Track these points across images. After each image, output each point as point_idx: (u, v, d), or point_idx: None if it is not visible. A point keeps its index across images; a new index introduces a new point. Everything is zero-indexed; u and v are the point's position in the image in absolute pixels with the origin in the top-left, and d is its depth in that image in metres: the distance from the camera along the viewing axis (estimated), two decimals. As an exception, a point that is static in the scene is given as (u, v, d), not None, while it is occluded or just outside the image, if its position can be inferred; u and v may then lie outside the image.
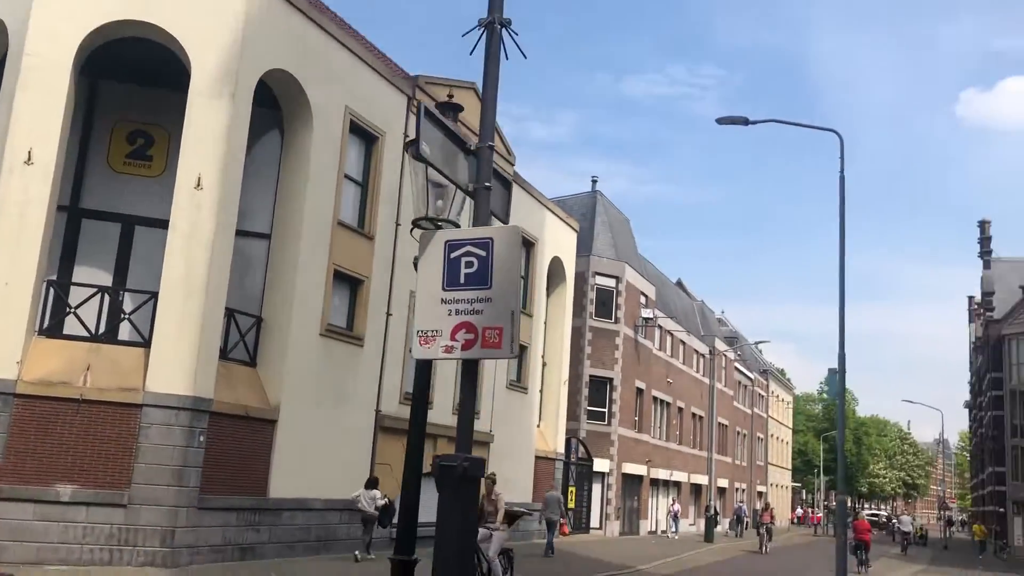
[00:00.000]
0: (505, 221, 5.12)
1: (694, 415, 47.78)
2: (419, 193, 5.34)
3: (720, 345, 51.81)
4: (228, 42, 15.85)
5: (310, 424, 17.57)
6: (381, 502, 17.52)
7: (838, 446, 15.44)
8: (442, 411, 22.42)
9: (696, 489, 47.92)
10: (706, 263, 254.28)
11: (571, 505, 32.02)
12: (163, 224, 15.67)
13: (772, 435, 69.60)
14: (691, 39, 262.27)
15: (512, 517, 13.87)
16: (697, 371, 48.59)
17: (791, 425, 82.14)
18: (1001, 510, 50.64)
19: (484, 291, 4.67)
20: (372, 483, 17.88)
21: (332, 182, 18.47)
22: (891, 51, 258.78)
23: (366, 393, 19.42)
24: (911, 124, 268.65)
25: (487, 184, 4.88)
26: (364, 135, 19.82)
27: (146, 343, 15.35)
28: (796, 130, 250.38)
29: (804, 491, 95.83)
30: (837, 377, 15.07)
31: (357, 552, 17.35)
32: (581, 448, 34.04)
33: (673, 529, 39.07)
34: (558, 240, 30.28)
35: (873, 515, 70.33)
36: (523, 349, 27.54)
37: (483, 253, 4.70)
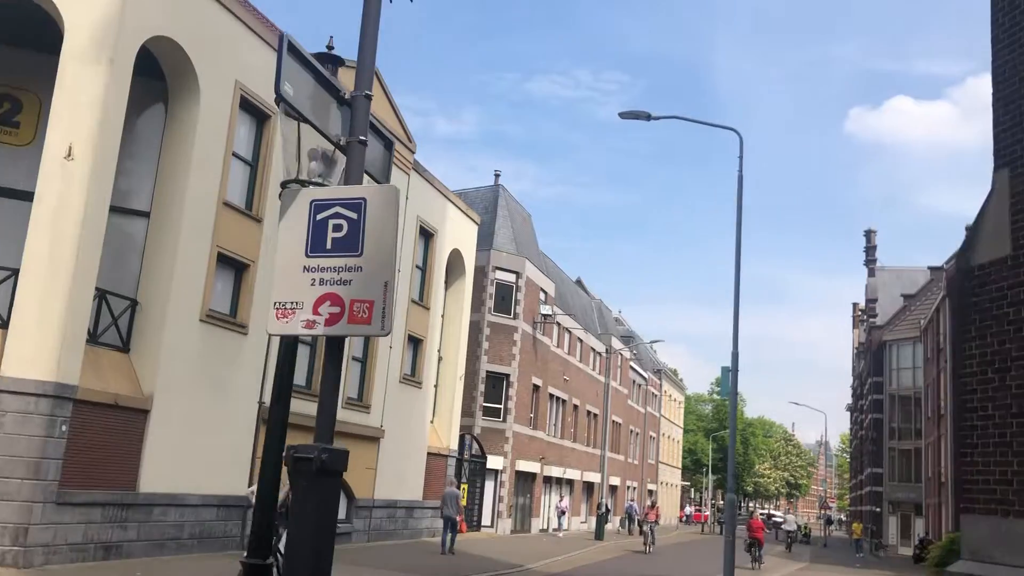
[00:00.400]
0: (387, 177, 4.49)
1: (589, 413, 48.04)
2: (289, 151, 4.71)
3: (617, 344, 52.28)
4: (106, 3, 14.72)
5: (187, 415, 16.54)
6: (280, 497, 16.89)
7: (729, 444, 15.46)
8: (331, 404, 21.62)
9: (588, 487, 48.21)
10: (605, 264, 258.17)
11: (463, 503, 31.53)
12: (30, 197, 14.45)
13: (664, 434, 70.86)
14: (597, 43, 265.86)
15: None
16: (593, 369, 48.87)
17: (682, 424, 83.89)
18: (878, 510, 52.81)
19: (354, 259, 4.08)
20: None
21: (219, 160, 17.45)
22: (787, 67, 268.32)
23: (249, 383, 18.45)
24: (804, 139, 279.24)
25: (362, 138, 4.29)
26: (255, 112, 18.85)
27: (3, 324, 14.10)
28: (696, 138, 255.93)
29: (693, 490, 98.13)
30: (730, 375, 15.09)
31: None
32: (475, 445, 33.63)
33: (558, 526, 38.87)
34: (458, 232, 29.76)
35: (769, 515, 72.33)
36: (419, 343, 26.92)
37: (354, 216, 4.11)
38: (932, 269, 54.26)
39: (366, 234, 4.03)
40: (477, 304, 35.21)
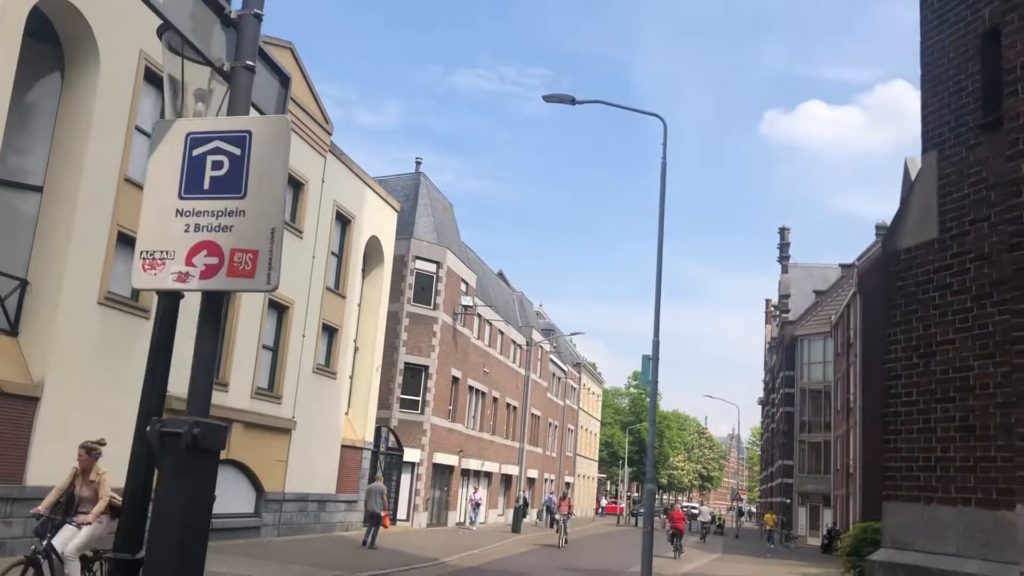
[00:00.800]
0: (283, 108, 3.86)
1: (509, 405, 47.78)
2: (172, 93, 4.12)
3: (537, 336, 52.18)
4: (-6, -43, 13.61)
5: (81, 403, 15.51)
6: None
7: (649, 434, 15.29)
8: (240, 393, 20.75)
9: (507, 479, 47.97)
10: (527, 260, 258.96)
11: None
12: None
13: (582, 427, 71.22)
14: (522, 39, 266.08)
15: (118, 510, 9.19)
16: (514, 362, 48.63)
17: (600, 418, 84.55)
18: (788, 501, 54.07)
19: (236, 201, 3.50)
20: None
21: (120, 134, 16.41)
22: (706, 69, 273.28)
23: (151, 371, 17.44)
24: (723, 140, 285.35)
25: (249, 63, 3.69)
26: (162, 84, 17.80)
27: None
28: (619, 136, 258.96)
29: (609, 482, 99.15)
30: (651, 363, 14.91)
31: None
32: (392, 437, 32.95)
33: (472, 520, 38.36)
34: (377, 219, 29.03)
35: (690, 507, 73.44)
36: (334, 332, 26.12)
37: (237, 152, 3.51)
38: (843, 266, 55.77)
39: (251, 173, 3.45)
40: (396, 294, 34.51)
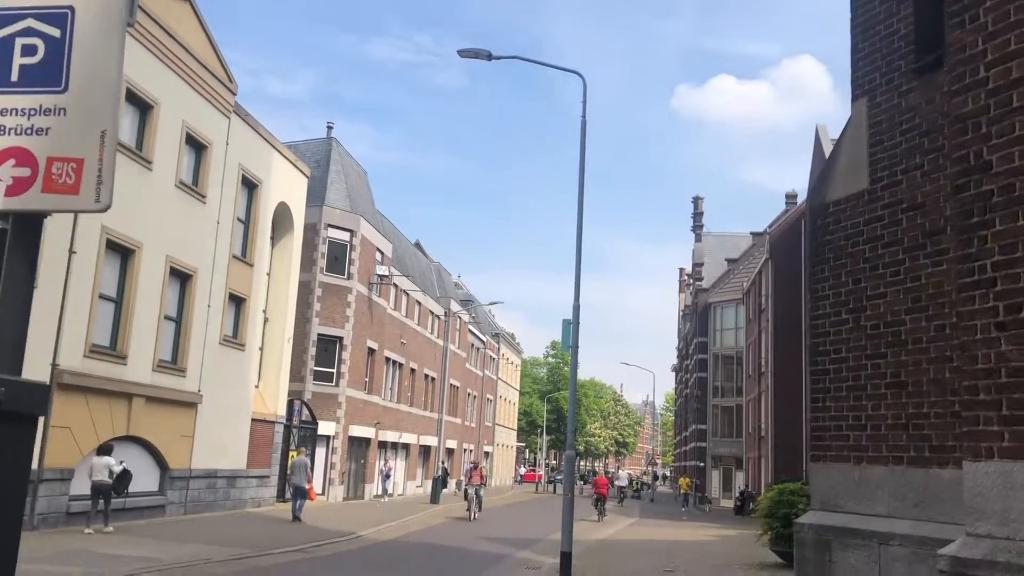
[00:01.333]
0: (130, 13, 3.04)
1: (427, 376, 47.20)
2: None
3: (455, 307, 51.62)
4: None
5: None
6: (117, 469, 16.80)
7: (570, 399, 14.97)
8: (140, 366, 19.63)
9: (425, 451, 47.49)
10: (445, 231, 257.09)
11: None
12: None
13: (501, 396, 71.20)
14: (438, 8, 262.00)
15: None
16: (432, 332, 47.99)
17: (518, 387, 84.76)
18: (702, 464, 55.16)
19: (54, 97, 2.80)
20: (105, 449, 17.19)
21: None
22: (619, 43, 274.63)
23: (40, 343, 16.25)
24: (633, 114, 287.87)
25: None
26: None
27: None
28: (535, 107, 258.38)
29: (528, 451, 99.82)
30: (571, 328, 14.55)
31: (89, 527, 16.38)
32: (305, 410, 32.04)
33: (384, 490, 37.49)
34: (286, 184, 27.90)
35: (614, 473, 74.86)
36: (241, 302, 25.04)
37: (56, 33, 2.82)
38: (754, 234, 56.74)
39: (73, 61, 2.71)
40: (308, 263, 33.42)
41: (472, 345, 59.55)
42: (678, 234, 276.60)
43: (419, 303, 45.18)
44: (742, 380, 51.04)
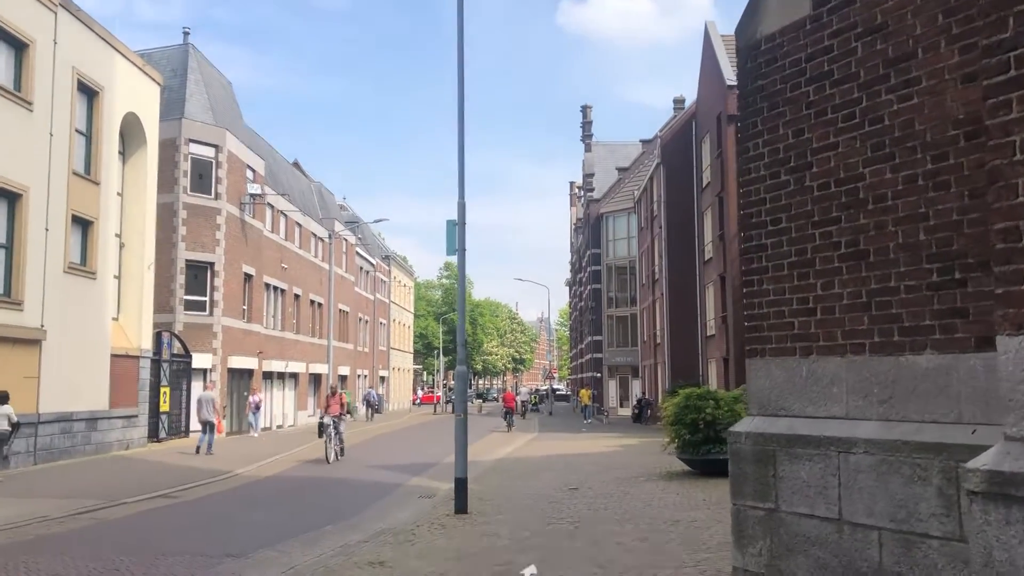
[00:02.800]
0: None
1: (313, 302, 44.88)
2: None
3: (340, 228, 48.99)
4: None
5: None
6: (15, 419, 16.77)
7: (459, 306, 13.42)
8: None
9: (316, 379, 45.45)
10: (330, 158, 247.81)
11: (164, 408, 27.72)
12: None
13: (395, 320, 69.40)
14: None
15: None
16: (316, 256, 45.48)
17: (413, 310, 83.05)
18: (599, 375, 55.13)
19: None
20: (2, 398, 16.65)
21: None
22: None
23: None
24: (518, 32, 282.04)
25: None
26: None
27: None
28: (424, 29, 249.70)
29: (426, 373, 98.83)
30: (456, 229, 12.86)
31: None
32: (176, 343, 29.57)
33: (252, 425, 32.91)
34: (134, 93, 24.86)
35: (536, 391, 78.62)
36: (88, 225, 22.29)
37: None
38: (644, 142, 55.95)
39: None
40: (169, 183, 30.49)
41: (361, 268, 57.26)
42: (568, 151, 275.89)
43: (299, 225, 42.54)
44: (635, 289, 50.75)
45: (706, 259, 34.81)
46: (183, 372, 29.63)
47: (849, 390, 5.37)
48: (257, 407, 33.17)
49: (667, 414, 16.94)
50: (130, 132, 25.14)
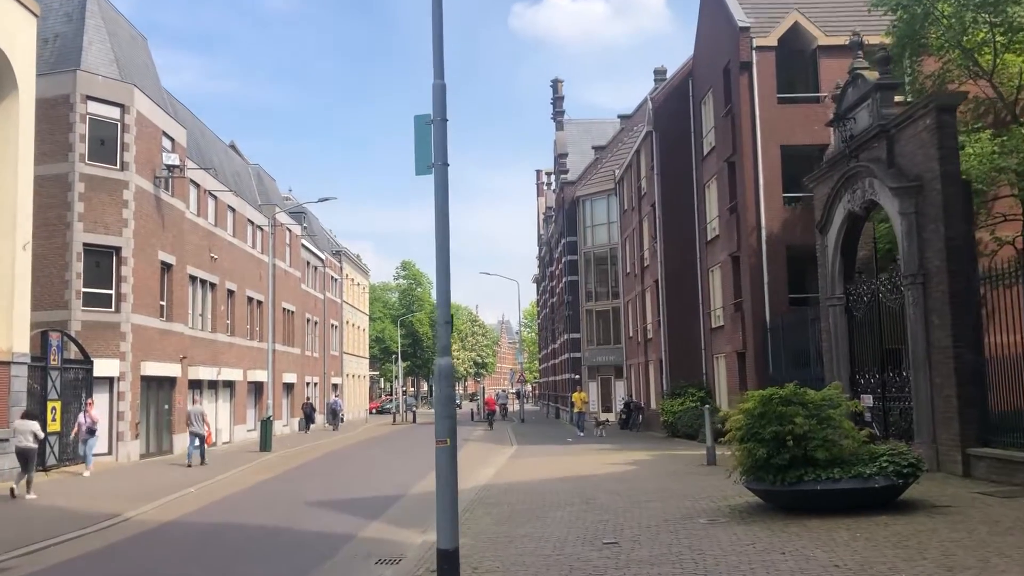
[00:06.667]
0: None
1: (251, 300, 39.02)
2: None
3: (284, 218, 43.09)
4: None
5: None
6: (41, 435, 16.34)
7: (437, 274, 8.11)
8: None
9: (257, 387, 39.53)
10: (287, 165, 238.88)
11: (53, 427, 21.88)
12: None
13: (348, 322, 63.56)
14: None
15: None
16: (254, 247, 39.64)
17: (368, 312, 77.19)
18: (577, 376, 49.86)
19: None
20: (30, 415, 16.61)
21: None
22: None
23: None
24: (473, 37, 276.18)
25: None
26: None
27: None
28: (375, 28, 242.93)
29: (384, 380, 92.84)
30: (432, 127, 7.59)
31: (14, 486, 15.78)
32: (72, 346, 23.74)
33: (83, 455, 21.64)
34: (-7, 18, 19.08)
35: (515, 392, 73.87)
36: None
37: None
38: (623, 117, 51.00)
39: None
40: (62, 148, 24.71)
41: (308, 263, 51.43)
42: (525, 156, 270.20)
43: (233, 209, 36.71)
44: (618, 280, 45.64)
45: (709, 239, 29.80)
46: (80, 382, 23.76)
47: None
48: (91, 431, 21.74)
49: (733, 425, 11.71)
50: (-8, 71, 19.37)
